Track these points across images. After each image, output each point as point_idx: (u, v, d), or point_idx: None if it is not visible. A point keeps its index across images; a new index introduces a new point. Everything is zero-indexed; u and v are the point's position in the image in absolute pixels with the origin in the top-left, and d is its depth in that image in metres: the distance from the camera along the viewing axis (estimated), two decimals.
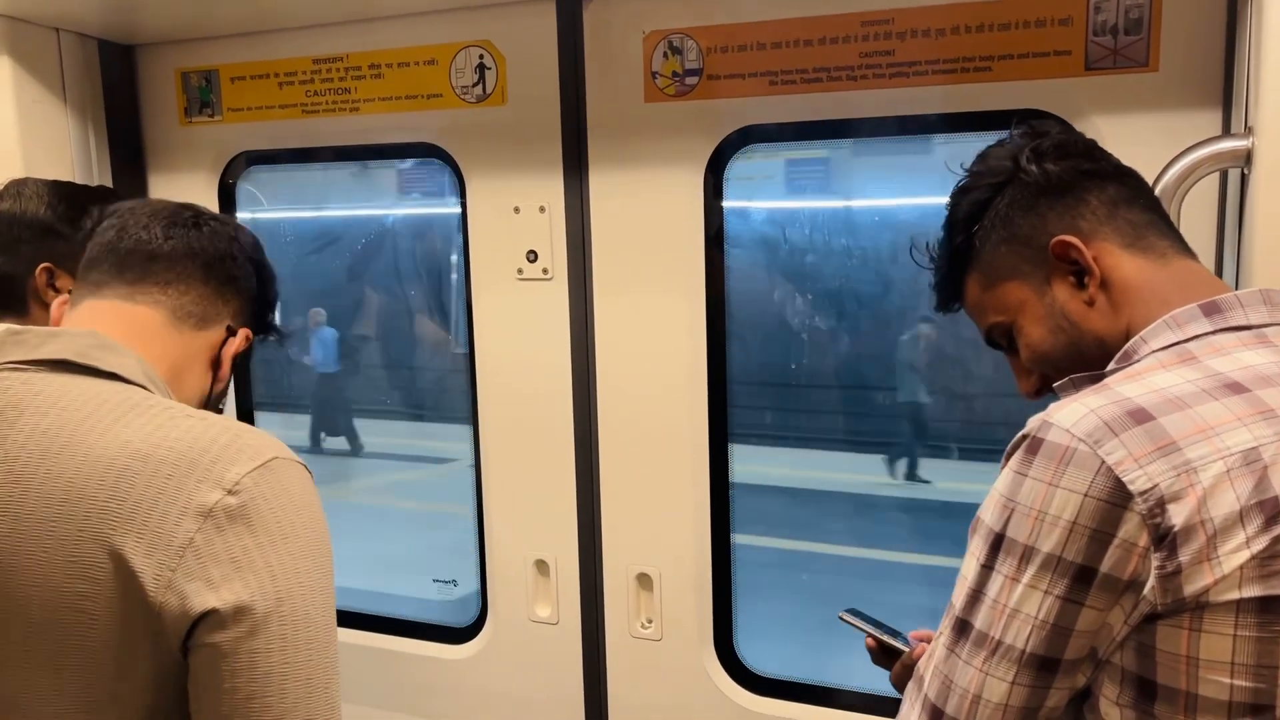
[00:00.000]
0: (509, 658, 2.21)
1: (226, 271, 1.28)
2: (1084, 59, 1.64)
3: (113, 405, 1.03)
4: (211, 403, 1.30)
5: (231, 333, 1.29)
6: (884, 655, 1.37)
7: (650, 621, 2.09)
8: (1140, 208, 1.13)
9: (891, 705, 1.93)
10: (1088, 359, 1.10)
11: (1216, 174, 1.50)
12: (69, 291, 1.73)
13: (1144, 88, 1.61)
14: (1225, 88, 1.56)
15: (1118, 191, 1.13)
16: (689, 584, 2.04)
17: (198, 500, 0.97)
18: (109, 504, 0.96)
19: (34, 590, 0.97)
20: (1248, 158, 1.40)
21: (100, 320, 1.17)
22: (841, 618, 1.44)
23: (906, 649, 1.33)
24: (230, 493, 0.98)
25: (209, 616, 0.95)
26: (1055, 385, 1.09)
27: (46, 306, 1.68)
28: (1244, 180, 1.45)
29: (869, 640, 1.39)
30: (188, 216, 1.28)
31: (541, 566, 2.15)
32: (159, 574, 0.95)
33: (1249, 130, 1.41)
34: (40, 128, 2.13)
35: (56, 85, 2.16)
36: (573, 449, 2.08)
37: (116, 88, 2.30)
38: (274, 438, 1.07)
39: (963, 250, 1.19)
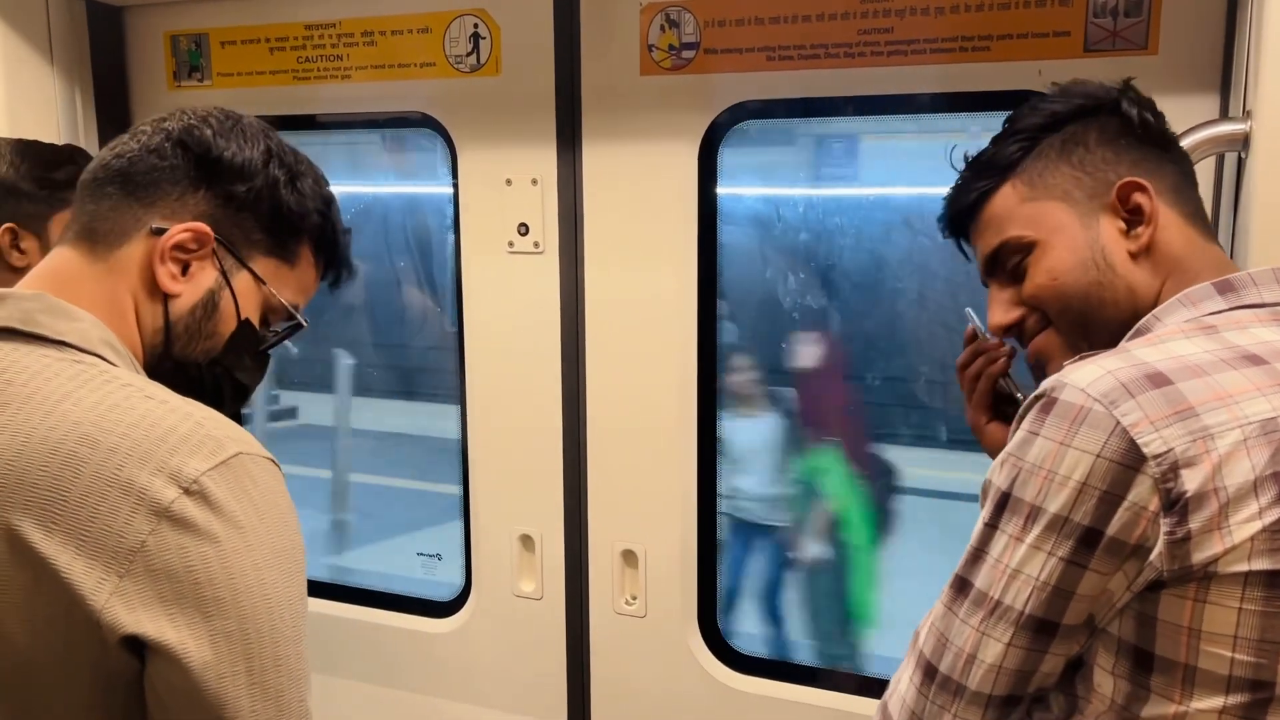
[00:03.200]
0: (492, 632, 2.20)
1: (160, 161, 1.06)
2: (1083, 40, 1.63)
3: (62, 380, 0.93)
4: (194, 357, 1.10)
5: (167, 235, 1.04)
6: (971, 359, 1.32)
7: (634, 598, 2.08)
8: (1194, 195, 1.16)
9: (876, 686, 1.94)
10: (1105, 308, 1.09)
11: (1214, 158, 1.50)
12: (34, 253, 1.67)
13: (1143, 70, 1.58)
14: (1224, 72, 1.56)
15: (1184, 172, 1.16)
16: (674, 561, 2.04)
17: (151, 496, 0.87)
18: (51, 493, 0.86)
19: None
20: (1245, 142, 1.40)
21: (46, 278, 1.04)
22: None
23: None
24: (187, 492, 0.88)
25: (165, 641, 0.86)
26: (1066, 361, 1.04)
27: (12, 268, 1.64)
28: (1241, 164, 1.45)
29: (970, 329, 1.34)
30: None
31: (526, 541, 2.14)
32: (103, 578, 0.85)
33: (1247, 114, 1.40)
34: (27, 88, 2.10)
35: (44, 45, 2.13)
36: (560, 424, 2.07)
37: (104, 49, 2.26)
38: (240, 428, 0.97)
39: (1014, 158, 1.16)
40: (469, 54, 2.02)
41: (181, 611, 0.87)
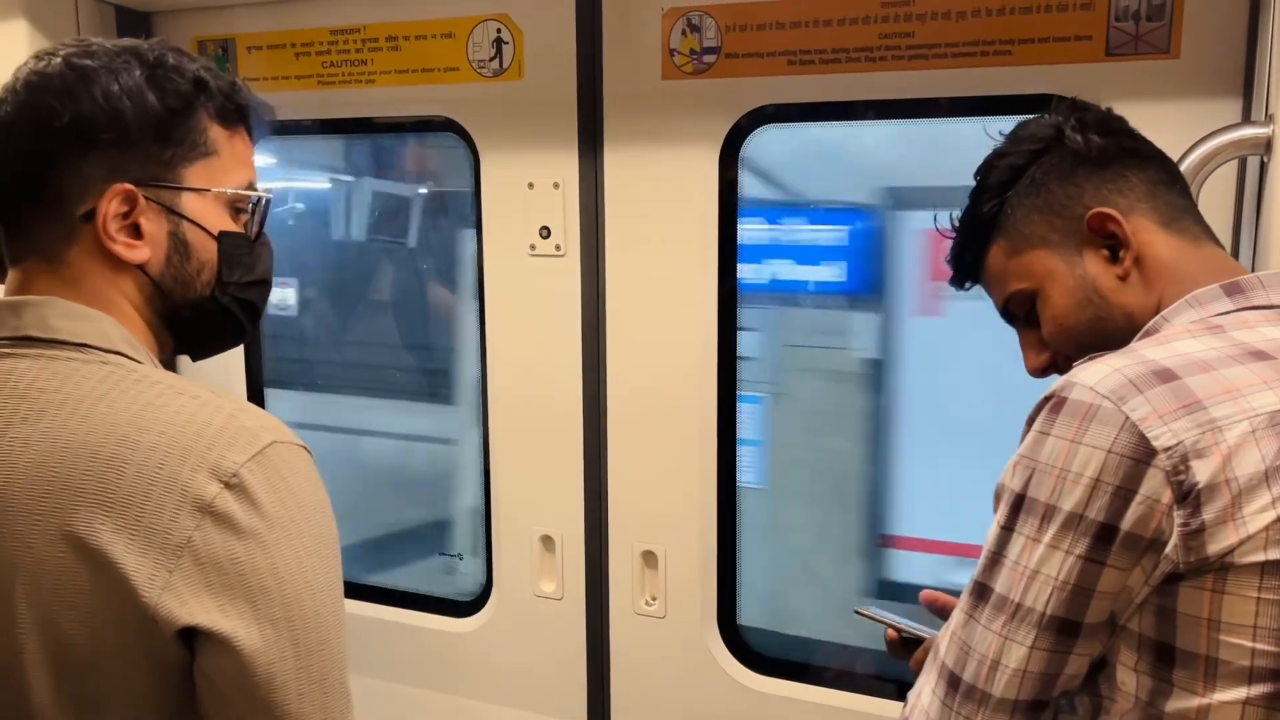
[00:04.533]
0: (513, 632, 2.22)
1: (56, 121, 0.98)
2: (1105, 44, 1.63)
3: (93, 383, 0.94)
4: (201, 294, 1.08)
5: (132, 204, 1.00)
6: (903, 648, 1.34)
7: (654, 599, 2.09)
8: (1177, 192, 1.14)
9: (896, 687, 1.94)
10: (1112, 334, 1.09)
11: (1235, 161, 1.50)
12: None
13: (1165, 74, 1.60)
14: (1246, 76, 1.56)
15: (1157, 173, 1.14)
16: (694, 562, 2.05)
17: (194, 492, 0.89)
18: (98, 496, 0.88)
19: (24, 589, 0.90)
20: (1268, 145, 1.40)
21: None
22: (858, 613, 1.40)
23: (932, 635, 1.29)
24: (228, 485, 0.90)
25: (218, 630, 0.89)
26: (1075, 363, 1.06)
27: None
28: (1263, 168, 1.45)
29: (889, 633, 1.35)
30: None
31: (547, 542, 2.15)
32: (154, 574, 0.88)
33: (1269, 118, 1.40)
34: None
35: None
36: (581, 425, 2.08)
37: None
38: (271, 417, 0.99)
39: (990, 217, 1.18)
40: (492, 58, 2.04)
41: (231, 601, 0.90)
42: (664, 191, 1.96)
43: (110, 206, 1.00)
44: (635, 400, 2.05)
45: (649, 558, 2.08)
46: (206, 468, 0.90)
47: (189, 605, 0.89)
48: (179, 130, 1.03)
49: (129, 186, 1.00)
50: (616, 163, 1.99)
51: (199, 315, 1.09)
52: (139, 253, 1.02)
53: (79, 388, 0.94)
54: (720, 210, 1.94)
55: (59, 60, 1.01)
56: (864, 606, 1.41)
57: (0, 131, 1.01)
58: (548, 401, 2.11)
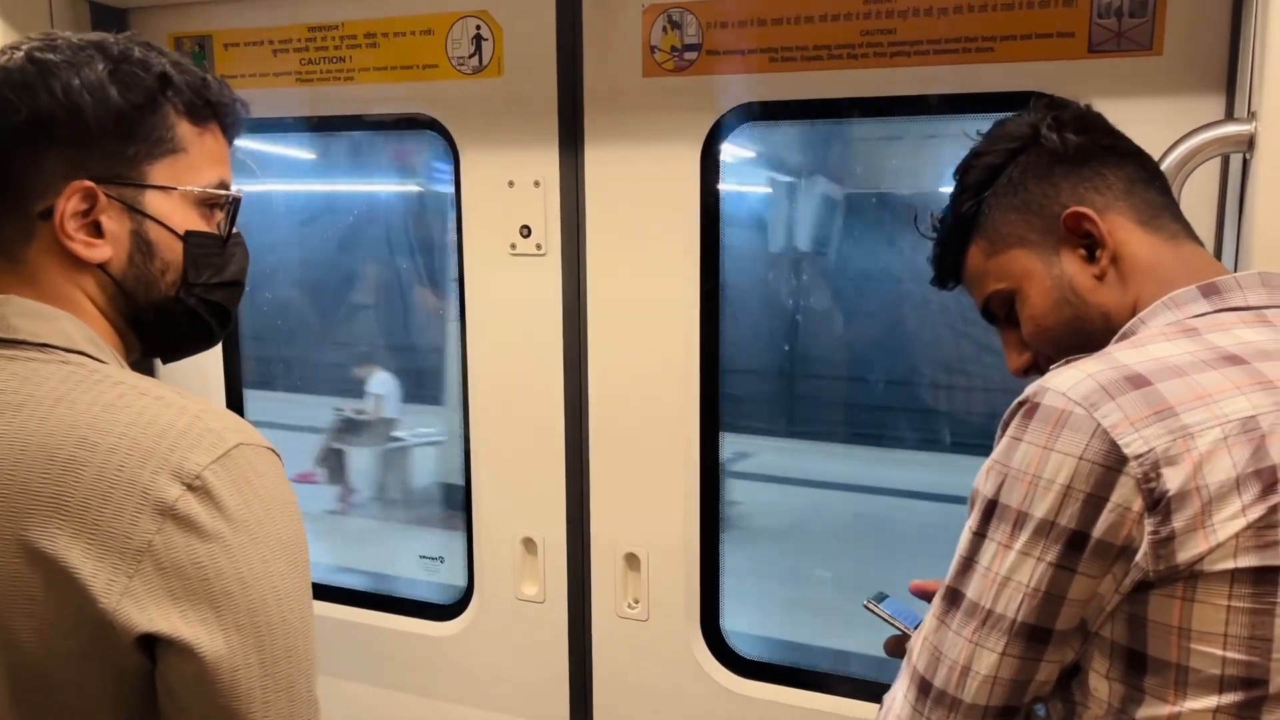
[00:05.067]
0: (495, 635, 2.20)
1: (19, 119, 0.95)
2: (1087, 41, 1.62)
3: (53, 383, 0.91)
4: (165, 295, 1.04)
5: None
6: (903, 649, 1.32)
7: (637, 602, 2.08)
8: (1155, 190, 1.13)
9: (878, 690, 1.93)
10: (1090, 334, 1.08)
11: (1218, 159, 1.49)
12: None
13: (1147, 71, 1.59)
14: (1229, 73, 1.55)
15: (1135, 171, 1.13)
16: (677, 565, 2.03)
17: (155, 495, 0.86)
18: (55, 500, 0.86)
19: None
20: (1250, 143, 1.39)
21: None
22: (866, 606, 1.38)
23: None
24: (190, 488, 0.87)
25: (179, 637, 0.86)
26: (1052, 366, 1.07)
27: None
28: (1245, 165, 1.44)
29: (893, 635, 1.33)
30: None
31: (529, 544, 2.13)
32: (112, 579, 0.85)
33: (1252, 115, 1.39)
34: None
35: None
36: (562, 426, 2.07)
37: None
38: (238, 418, 0.96)
39: (969, 217, 1.17)
40: (471, 55, 2.02)
41: (193, 607, 0.87)
42: (645, 190, 1.94)
43: (69, 204, 0.97)
44: (617, 400, 2.03)
45: (631, 560, 2.07)
46: (168, 470, 0.87)
47: (149, 612, 0.86)
48: (143, 126, 1.00)
49: (88, 184, 0.97)
50: (597, 161, 1.97)
51: (163, 316, 1.07)
52: (99, 251, 0.99)
53: (39, 388, 0.91)
54: (702, 208, 1.92)
55: (20, 54, 0.98)
56: (873, 601, 1.38)
57: None
58: (529, 402, 2.09)
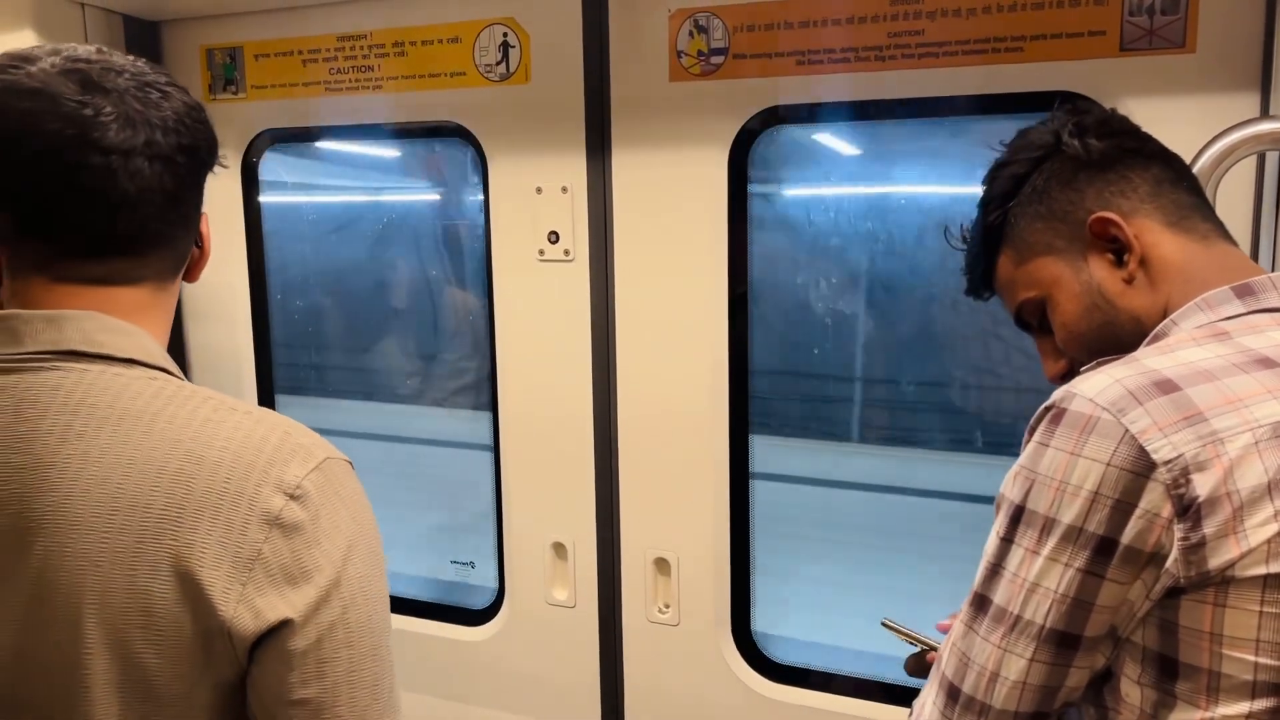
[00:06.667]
0: (526, 640, 2.20)
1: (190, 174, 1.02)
2: (1119, 39, 1.61)
3: (146, 398, 0.93)
4: None
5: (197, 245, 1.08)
6: (925, 667, 1.31)
7: (667, 606, 2.07)
8: (1184, 190, 1.11)
9: (909, 694, 1.91)
10: (1122, 338, 1.07)
11: (1254, 157, 1.47)
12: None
13: (1180, 69, 1.57)
14: (1264, 69, 1.53)
15: (1162, 172, 1.11)
16: (707, 569, 2.03)
17: (261, 506, 0.91)
18: (167, 511, 0.88)
19: (92, 609, 0.88)
20: None
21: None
22: (885, 624, 1.38)
23: None
24: (292, 498, 0.92)
25: (280, 629, 0.90)
26: (1082, 369, 1.06)
27: None
28: None
29: (913, 652, 1.34)
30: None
31: (559, 549, 2.14)
32: (228, 586, 0.89)
33: None
34: None
35: None
36: (592, 431, 2.07)
37: None
38: (317, 434, 1.01)
39: (996, 227, 1.17)
40: (498, 63, 2.03)
41: (297, 598, 0.91)
42: (673, 194, 1.94)
43: (208, 229, 1.10)
44: (646, 405, 2.03)
45: (661, 564, 2.07)
46: (270, 482, 0.92)
47: (258, 609, 0.90)
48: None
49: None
50: (624, 166, 1.97)
51: None
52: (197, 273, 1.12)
53: (134, 403, 0.93)
54: (730, 213, 1.92)
55: (177, 89, 1.03)
56: (892, 620, 1.39)
57: (169, 167, 0.99)
58: (558, 407, 2.09)
